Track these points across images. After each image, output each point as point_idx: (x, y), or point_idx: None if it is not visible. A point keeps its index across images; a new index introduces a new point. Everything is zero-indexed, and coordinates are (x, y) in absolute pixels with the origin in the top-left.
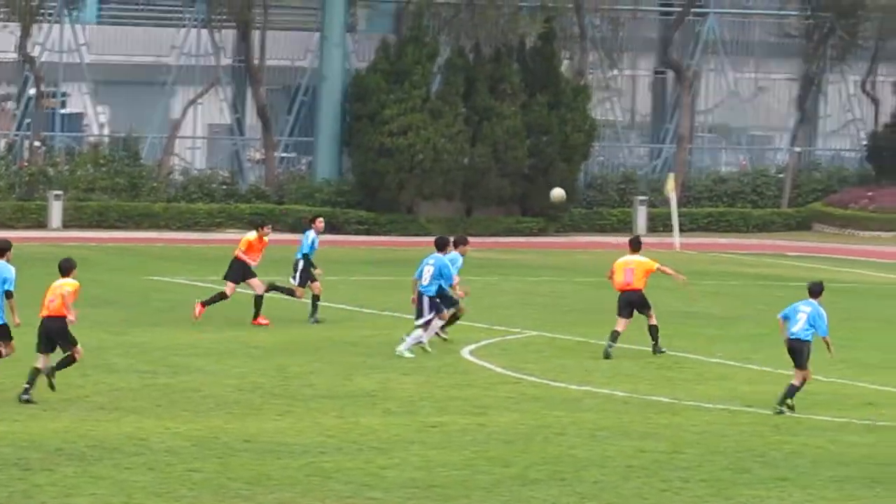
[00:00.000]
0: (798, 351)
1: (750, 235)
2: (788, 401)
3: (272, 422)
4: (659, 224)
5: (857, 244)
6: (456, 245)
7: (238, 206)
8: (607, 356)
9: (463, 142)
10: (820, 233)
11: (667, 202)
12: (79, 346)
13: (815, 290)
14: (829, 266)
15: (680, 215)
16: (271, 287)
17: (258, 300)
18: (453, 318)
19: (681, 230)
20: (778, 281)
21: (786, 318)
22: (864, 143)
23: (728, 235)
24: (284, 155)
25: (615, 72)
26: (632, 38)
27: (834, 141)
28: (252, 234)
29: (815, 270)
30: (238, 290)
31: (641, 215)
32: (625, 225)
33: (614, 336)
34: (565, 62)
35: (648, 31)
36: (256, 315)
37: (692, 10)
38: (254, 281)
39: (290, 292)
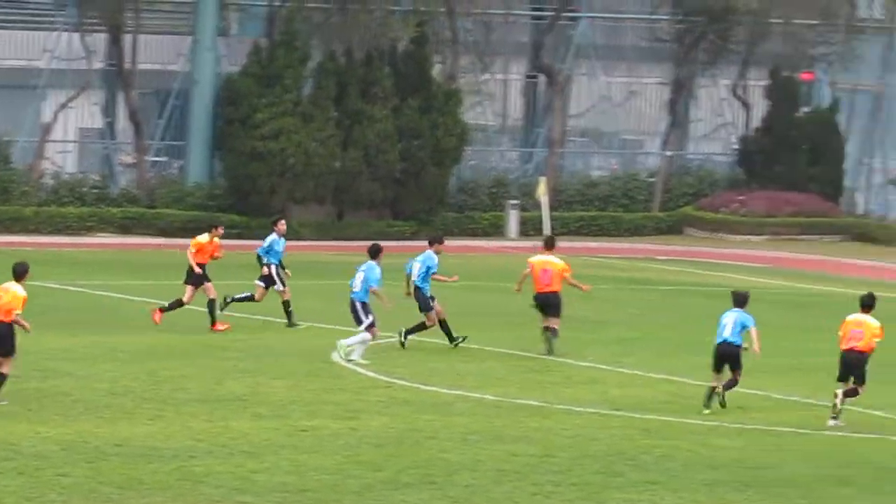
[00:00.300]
0: (730, 355)
1: (621, 239)
2: (720, 401)
3: (143, 426)
4: (530, 228)
5: (728, 248)
6: (430, 244)
7: (109, 209)
8: (549, 348)
9: (334, 146)
10: (691, 237)
11: (538, 206)
12: None
13: (741, 300)
14: (699, 270)
15: (552, 219)
16: (231, 301)
17: (211, 305)
18: (421, 327)
19: (552, 234)
20: (649, 285)
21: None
22: (735, 147)
23: (599, 239)
24: (156, 159)
25: (487, 76)
26: (504, 42)
27: (705, 145)
28: (204, 237)
29: (685, 274)
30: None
31: (513, 219)
32: (496, 229)
33: (548, 331)
34: (437, 66)
35: (520, 35)
36: (213, 321)
37: (564, 14)
38: (209, 284)
39: (250, 297)
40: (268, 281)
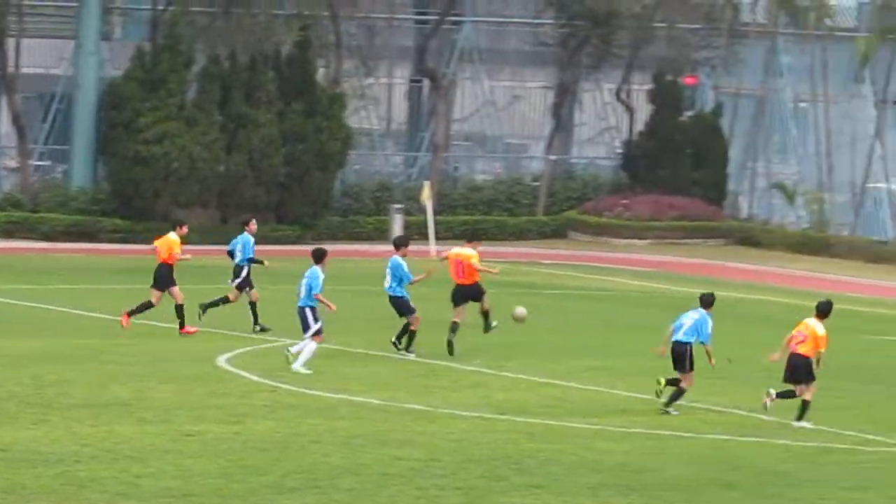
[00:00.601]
0: (680, 354)
1: (506, 243)
2: (672, 405)
3: (27, 430)
4: (415, 232)
5: (612, 252)
6: (397, 247)
7: None
8: (450, 348)
9: (218, 150)
10: (575, 241)
11: (423, 210)
12: None
13: (707, 301)
14: (583, 274)
15: (436, 223)
16: (206, 307)
17: (179, 309)
18: (406, 331)
19: (437, 238)
20: (533, 289)
21: (676, 328)
22: (619, 151)
23: (484, 243)
24: (39, 163)
25: (371, 80)
26: (388, 46)
27: (589, 149)
28: (173, 235)
29: (569, 278)
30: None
31: (397, 223)
32: (381, 233)
33: (454, 327)
34: (321, 70)
35: (404, 39)
36: (182, 324)
37: (448, 18)
38: (175, 289)
39: (225, 300)
40: (244, 282)
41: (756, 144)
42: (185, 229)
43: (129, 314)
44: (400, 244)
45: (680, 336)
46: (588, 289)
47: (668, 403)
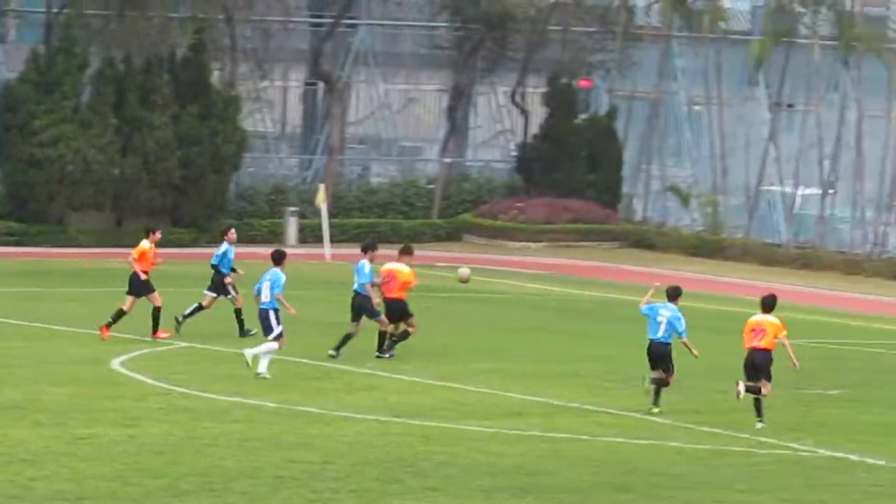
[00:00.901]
0: (662, 356)
1: (401, 246)
2: (655, 403)
3: None
4: (310, 235)
5: (507, 255)
6: (364, 251)
7: None
8: (391, 356)
9: (113, 153)
10: (470, 243)
11: (317, 213)
12: None
13: (673, 294)
14: (478, 277)
15: (330, 226)
16: (184, 318)
17: (156, 313)
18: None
19: (331, 241)
20: (428, 292)
21: (647, 316)
22: (514, 154)
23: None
24: None
25: (266, 83)
26: (283, 48)
27: (484, 152)
28: (145, 244)
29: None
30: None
31: (292, 226)
32: (276, 236)
33: (400, 336)
34: (216, 73)
35: (299, 42)
36: (155, 329)
37: (343, 21)
38: (153, 295)
39: (198, 307)
40: (220, 289)
41: (650, 147)
42: (157, 235)
43: (108, 326)
44: (367, 248)
45: (660, 336)
46: (483, 291)
47: (655, 400)
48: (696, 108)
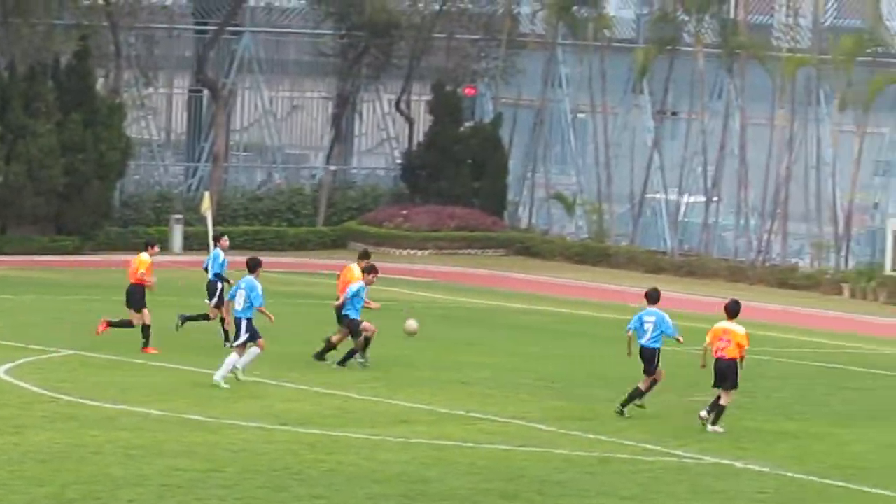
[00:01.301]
0: (649, 358)
1: (286, 253)
2: (637, 401)
3: None
4: (195, 243)
5: (392, 262)
6: (365, 273)
7: None
8: (364, 366)
9: None
10: (355, 251)
11: (203, 221)
12: None
13: (654, 297)
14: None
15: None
16: (186, 319)
17: (145, 329)
18: (366, 342)
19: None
20: (312, 299)
21: (634, 329)
22: (399, 161)
23: (264, 254)
24: None
25: (151, 90)
26: (167, 56)
27: (369, 159)
28: (146, 256)
29: None
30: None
31: (177, 234)
32: (161, 244)
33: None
34: (100, 80)
35: (184, 49)
36: (146, 344)
37: (227, 28)
38: (145, 311)
39: (205, 317)
40: (221, 298)
41: (535, 155)
42: (156, 248)
43: (110, 324)
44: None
45: (647, 342)
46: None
47: (642, 397)
48: (581, 115)
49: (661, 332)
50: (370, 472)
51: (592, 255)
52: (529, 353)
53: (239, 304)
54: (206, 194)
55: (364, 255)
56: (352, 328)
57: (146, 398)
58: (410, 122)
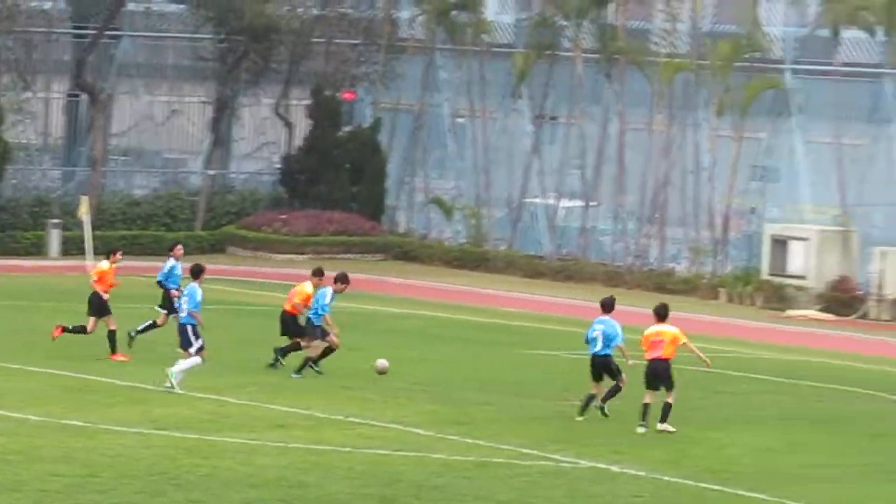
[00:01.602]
0: (604, 365)
1: (164, 258)
2: (606, 405)
3: None
4: (73, 247)
5: (271, 267)
6: (335, 281)
7: None
8: (274, 366)
9: None
10: (234, 255)
11: (80, 225)
12: None
13: (607, 306)
14: (241, 289)
15: (93, 238)
16: (138, 333)
17: (111, 335)
18: (327, 351)
19: (94, 253)
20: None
21: (588, 340)
22: (278, 166)
23: (142, 258)
24: None
25: (29, 94)
26: (46, 60)
27: (248, 164)
28: (105, 264)
29: (228, 293)
30: None
31: (55, 238)
32: (38, 248)
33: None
34: None
35: (62, 53)
36: (113, 350)
37: (106, 32)
38: (108, 317)
39: (153, 325)
40: (171, 306)
41: (414, 159)
42: (118, 256)
43: (65, 329)
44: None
45: (598, 349)
46: (245, 304)
47: (606, 399)
48: (460, 120)
49: (611, 340)
50: (247, 476)
51: (471, 259)
52: (407, 358)
53: (184, 310)
54: (84, 199)
55: (318, 273)
56: (317, 335)
57: (22, 403)
58: (290, 126)
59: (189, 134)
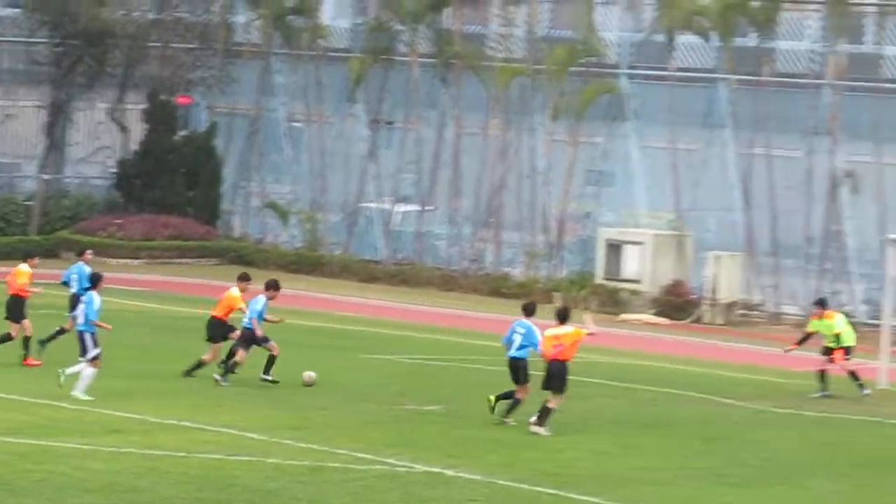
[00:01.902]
0: (516, 368)
1: None
2: (510, 416)
3: None
4: None
5: (106, 271)
6: (267, 288)
7: None
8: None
9: None
10: (68, 260)
11: None
12: None
13: (530, 310)
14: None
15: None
16: (47, 340)
17: (26, 341)
18: (271, 360)
19: None
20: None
21: (506, 342)
22: (113, 170)
23: None
24: None
25: None
26: None
27: (83, 168)
28: (25, 267)
29: (58, 297)
30: None
31: None
32: None
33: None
34: None
35: None
36: (26, 356)
37: None
38: (26, 322)
39: (62, 331)
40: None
41: (250, 164)
42: (35, 261)
43: None
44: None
45: (514, 352)
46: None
47: (507, 413)
48: (296, 124)
49: (529, 344)
50: (80, 481)
51: (306, 263)
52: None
53: (80, 318)
54: None
55: (244, 278)
56: (254, 340)
57: None
58: (125, 130)
59: (23, 138)
